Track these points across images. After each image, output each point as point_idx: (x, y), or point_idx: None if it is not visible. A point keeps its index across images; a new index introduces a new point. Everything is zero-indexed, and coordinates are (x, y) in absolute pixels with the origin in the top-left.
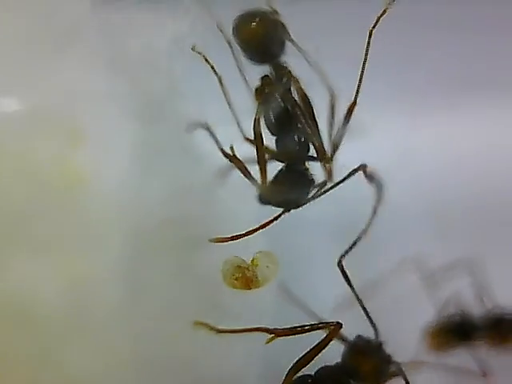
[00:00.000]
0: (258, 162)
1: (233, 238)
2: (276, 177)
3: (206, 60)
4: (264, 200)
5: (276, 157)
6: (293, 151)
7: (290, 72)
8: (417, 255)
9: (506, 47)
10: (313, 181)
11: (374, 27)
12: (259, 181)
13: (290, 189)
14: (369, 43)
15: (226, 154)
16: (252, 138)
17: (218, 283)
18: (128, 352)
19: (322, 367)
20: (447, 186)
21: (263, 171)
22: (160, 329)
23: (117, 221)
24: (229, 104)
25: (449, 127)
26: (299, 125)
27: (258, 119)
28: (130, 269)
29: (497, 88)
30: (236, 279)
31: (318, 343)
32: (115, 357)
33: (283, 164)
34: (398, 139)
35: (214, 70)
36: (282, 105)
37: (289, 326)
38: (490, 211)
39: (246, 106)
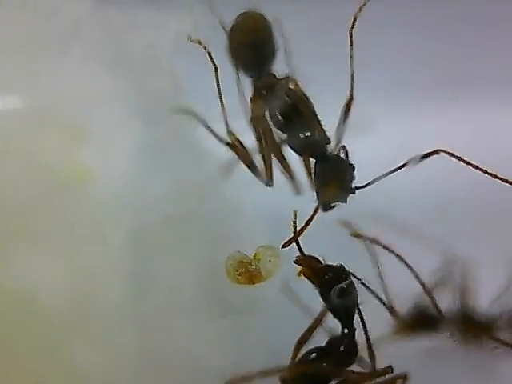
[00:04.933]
0: (264, 159)
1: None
2: (320, 175)
3: (205, 48)
4: (328, 206)
5: (299, 151)
6: (314, 143)
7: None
8: (420, 245)
9: (507, 44)
10: (351, 165)
11: (352, 27)
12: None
13: (339, 180)
14: (351, 42)
15: (230, 145)
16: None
17: (221, 278)
18: (131, 345)
19: (331, 339)
20: (451, 180)
21: (269, 167)
22: (163, 322)
23: (120, 217)
24: (220, 97)
25: (450, 122)
26: (308, 118)
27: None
28: (134, 264)
29: (496, 84)
30: (239, 275)
31: (315, 320)
32: (118, 350)
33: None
34: (402, 134)
35: (212, 60)
36: (289, 101)
37: None
38: (491, 203)
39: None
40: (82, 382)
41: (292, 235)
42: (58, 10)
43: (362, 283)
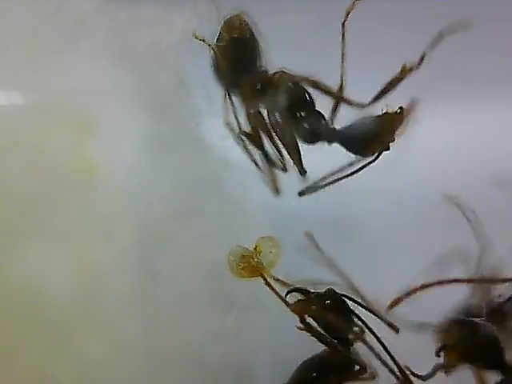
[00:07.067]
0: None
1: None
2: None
3: (209, 46)
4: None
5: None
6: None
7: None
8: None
9: (507, 42)
10: None
11: (345, 20)
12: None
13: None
14: (343, 34)
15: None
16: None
17: (225, 274)
18: (137, 340)
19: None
20: (449, 175)
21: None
22: (168, 317)
23: (127, 211)
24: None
25: (452, 119)
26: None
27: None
28: (140, 258)
29: (497, 83)
30: (242, 269)
31: None
32: (125, 344)
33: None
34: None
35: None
36: (291, 96)
37: None
38: (490, 197)
39: None
40: (87, 376)
41: None
42: (64, 5)
43: (356, 302)
